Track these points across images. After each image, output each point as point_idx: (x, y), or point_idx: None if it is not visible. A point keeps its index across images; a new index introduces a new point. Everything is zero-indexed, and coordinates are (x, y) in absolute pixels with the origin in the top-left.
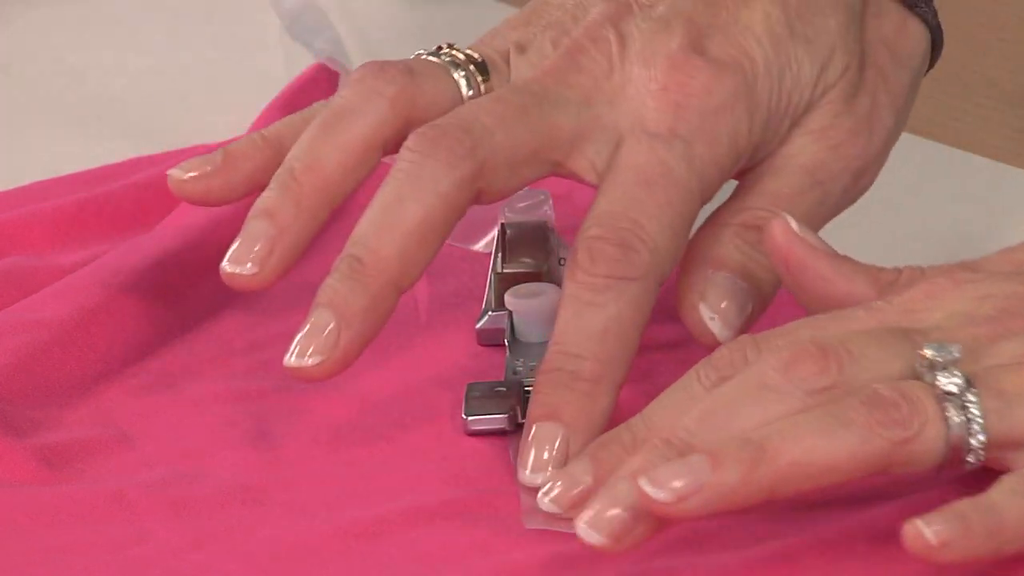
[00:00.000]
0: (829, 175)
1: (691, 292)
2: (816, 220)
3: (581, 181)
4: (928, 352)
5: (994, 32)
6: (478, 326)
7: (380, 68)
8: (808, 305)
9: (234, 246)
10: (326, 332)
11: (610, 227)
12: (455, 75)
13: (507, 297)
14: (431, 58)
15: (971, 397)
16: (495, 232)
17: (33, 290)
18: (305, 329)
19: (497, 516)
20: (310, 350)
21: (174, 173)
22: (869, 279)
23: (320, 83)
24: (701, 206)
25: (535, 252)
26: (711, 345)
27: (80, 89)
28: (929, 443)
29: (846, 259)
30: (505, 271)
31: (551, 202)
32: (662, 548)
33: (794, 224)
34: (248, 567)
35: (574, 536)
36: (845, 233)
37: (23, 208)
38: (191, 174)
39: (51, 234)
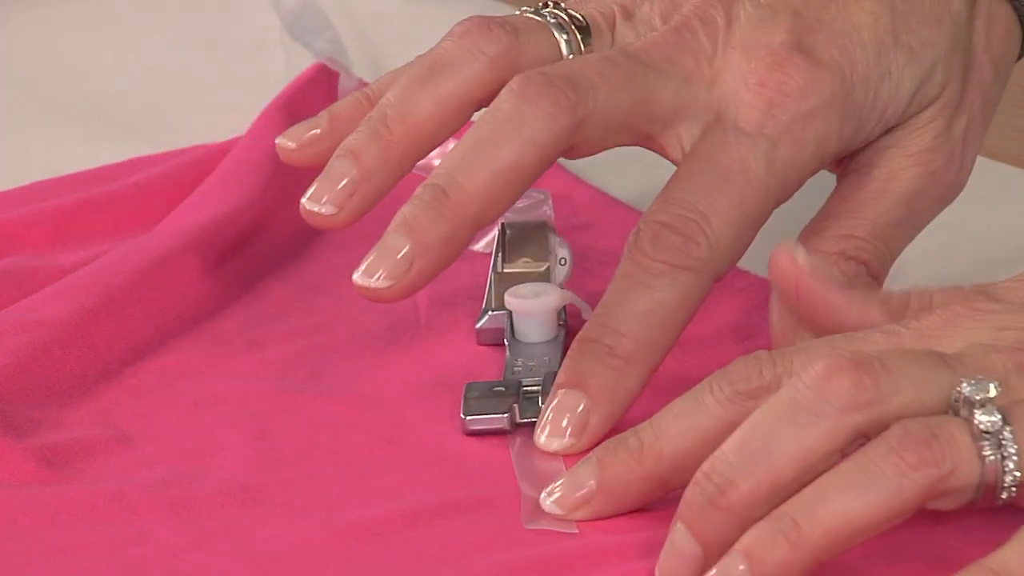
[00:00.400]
0: (924, 204)
1: (785, 315)
2: (903, 247)
3: (666, 156)
4: (966, 388)
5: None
6: (478, 326)
7: (485, 25)
8: (820, 334)
9: (315, 184)
10: (400, 256)
11: (678, 215)
12: (558, 36)
13: (507, 297)
14: (535, 16)
15: (1007, 434)
16: (495, 232)
17: (33, 290)
18: (378, 249)
19: (497, 516)
20: (380, 271)
21: (282, 143)
22: (881, 307)
23: (320, 83)
24: (775, 207)
25: (535, 252)
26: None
27: (80, 89)
28: (964, 479)
29: (856, 288)
30: (505, 271)
31: (551, 202)
32: (661, 547)
33: (802, 255)
34: (248, 567)
35: (574, 536)
36: None
37: (23, 208)
38: (299, 142)
39: (51, 234)
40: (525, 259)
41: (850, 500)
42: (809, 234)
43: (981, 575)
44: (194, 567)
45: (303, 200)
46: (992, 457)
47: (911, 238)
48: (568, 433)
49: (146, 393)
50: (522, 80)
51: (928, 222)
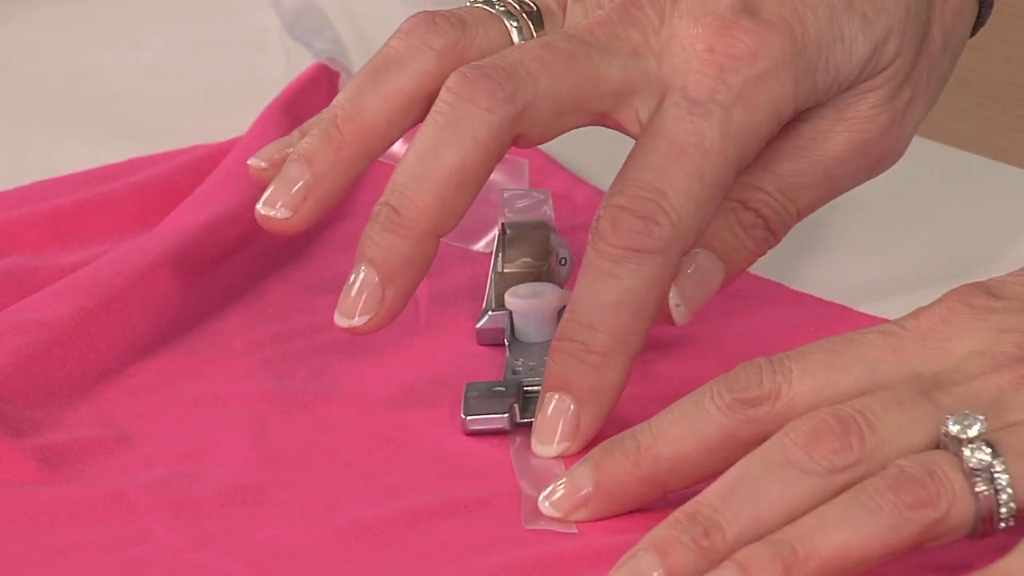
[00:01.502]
0: (848, 172)
1: None
2: (813, 209)
3: (626, 133)
4: (953, 428)
5: (994, 32)
6: (478, 326)
7: (431, 19)
8: None
9: (269, 189)
10: (374, 285)
11: (635, 196)
12: (508, 24)
13: (507, 297)
14: (486, 7)
15: (998, 467)
16: (495, 232)
17: (33, 290)
18: (349, 288)
19: (497, 516)
20: (358, 309)
21: (254, 163)
22: None
23: (320, 83)
24: (735, 175)
25: (535, 252)
26: (664, 319)
27: (80, 89)
28: (959, 518)
29: None
30: (505, 271)
31: (551, 202)
32: None
33: None
34: (248, 567)
35: (574, 537)
36: (844, 232)
37: (23, 208)
38: (270, 161)
39: (51, 234)
40: (525, 259)
41: (848, 533)
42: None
43: None
44: (194, 567)
45: (258, 206)
46: (986, 492)
47: (825, 201)
48: (559, 437)
49: (146, 393)
50: (457, 78)
51: (849, 189)
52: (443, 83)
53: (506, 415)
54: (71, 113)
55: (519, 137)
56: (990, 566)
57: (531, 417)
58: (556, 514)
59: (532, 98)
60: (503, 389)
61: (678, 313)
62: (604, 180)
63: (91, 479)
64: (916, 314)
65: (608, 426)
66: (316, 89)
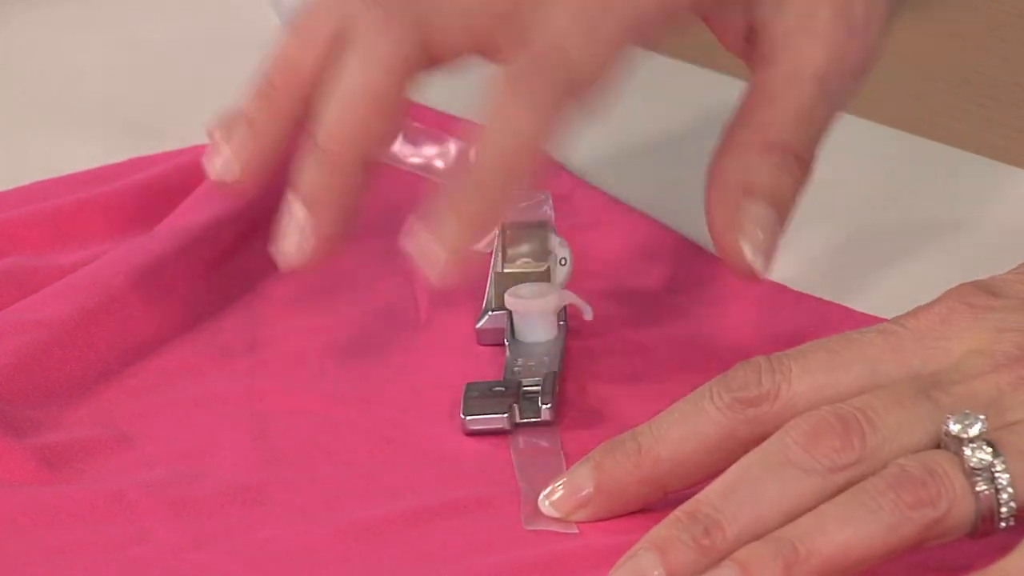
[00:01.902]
0: (838, 83)
1: (729, 228)
2: (827, 127)
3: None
4: (954, 427)
5: (995, 32)
6: (478, 326)
7: None
8: None
9: (217, 152)
10: (305, 223)
11: (534, 60)
12: None
13: (507, 297)
14: None
15: (999, 466)
16: (495, 232)
17: (33, 290)
18: (287, 223)
19: (497, 516)
20: (295, 242)
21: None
22: None
23: None
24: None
25: (535, 252)
26: (746, 278)
27: (80, 89)
28: (960, 517)
29: None
30: (505, 271)
31: (551, 202)
32: None
33: None
34: (248, 567)
35: (575, 536)
36: (844, 232)
37: (23, 208)
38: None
39: (51, 234)
40: (525, 259)
41: (849, 532)
42: (733, 127)
43: None
44: (194, 567)
45: (209, 171)
46: (986, 491)
47: (831, 119)
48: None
49: (146, 393)
50: (358, 4)
51: (847, 100)
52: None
53: (506, 415)
54: (71, 113)
55: (434, 59)
56: (989, 567)
57: (531, 417)
58: (556, 514)
59: (433, 12)
60: (503, 389)
61: (760, 265)
62: (604, 180)
63: (91, 479)
64: (915, 313)
65: (608, 426)
66: None
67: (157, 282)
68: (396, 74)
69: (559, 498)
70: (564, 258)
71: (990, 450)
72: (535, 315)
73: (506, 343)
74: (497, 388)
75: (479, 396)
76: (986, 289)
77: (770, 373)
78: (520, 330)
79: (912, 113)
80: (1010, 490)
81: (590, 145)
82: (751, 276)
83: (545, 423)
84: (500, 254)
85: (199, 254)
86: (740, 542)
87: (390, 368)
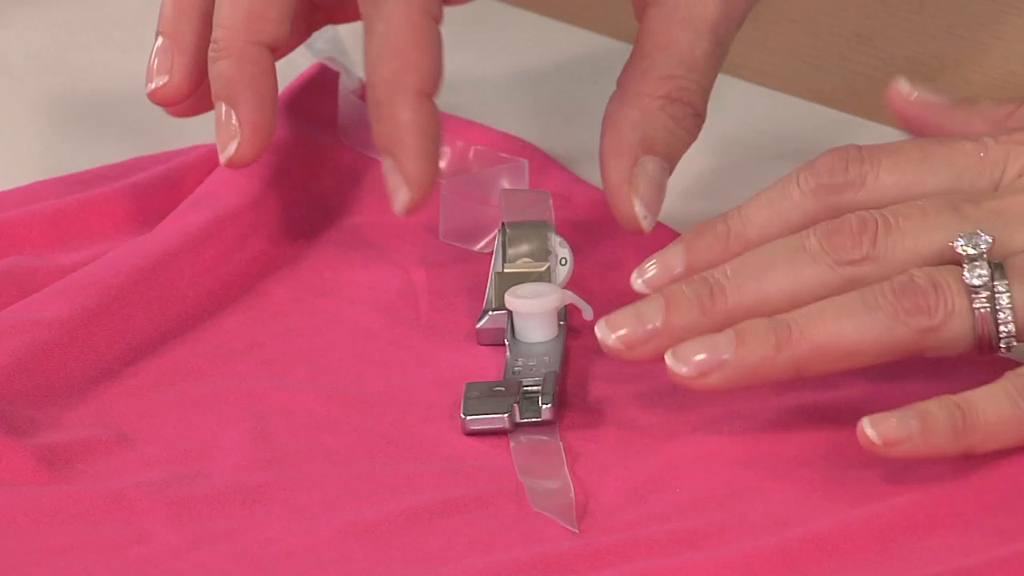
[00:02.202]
0: (726, 31)
1: (623, 182)
2: (715, 78)
3: None
4: (959, 243)
5: (994, 32)
6: (478, 326)
7: None
8: None
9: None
10: (230, 118)
11: None
12: None
13: (507, 297)
14: None
15: (1000, 288)
16: (495, 232)
17: (33, 290)
18: (218, 127)
19: (497, 516)
20: (229, 140)
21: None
22: (985, 117)
23: (320, 83)
24: None
25: (535, 252)
26: (632, 231)
27: (80, 89)
28: (955, 332)
29: (962, 105)
30: (505, 271)
31: (551, 202)
32: (661, 546)
33: (904, 86)
34: (248, 567)
35: (575, 536)
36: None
37: (23, 208)
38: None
39: (51, 234)
40: (525, 259)
41: (843, 323)
42: (632, 76)
43: (945, 407)
44: (194, 567)
45: (148, 94)
46: (983, 310)
47: (720, 66)
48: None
49: (146, 393)
50: None
51: (729, 47)
52: None
53: (506, 415)
54: (71, 113)
55: None
56: (959, 394)
57: (531, 417)
58: (647, 290)
59: None
60: (503, 389)
61: (647, 223)
62: None
63: (91, 479)
64: (1012, 127)
65: (608, 426)
66: (316, 89)
67: (157, 282)
68: None
69: (651, 276)
70: (564, 258)
71: (989, 271)
72: (535, 315)
73: (506, 343)
74: (497, 388)
75: (479, 396)
76: None
77: (858, 162)
78: (520, 330)
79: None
80: (1009, 313)
81: (590, 145)
82: (637, 230)
83: (545, 423)
84: (500, 254)
85: (199, 254)
86: (739, 310)
87: (390, 368)
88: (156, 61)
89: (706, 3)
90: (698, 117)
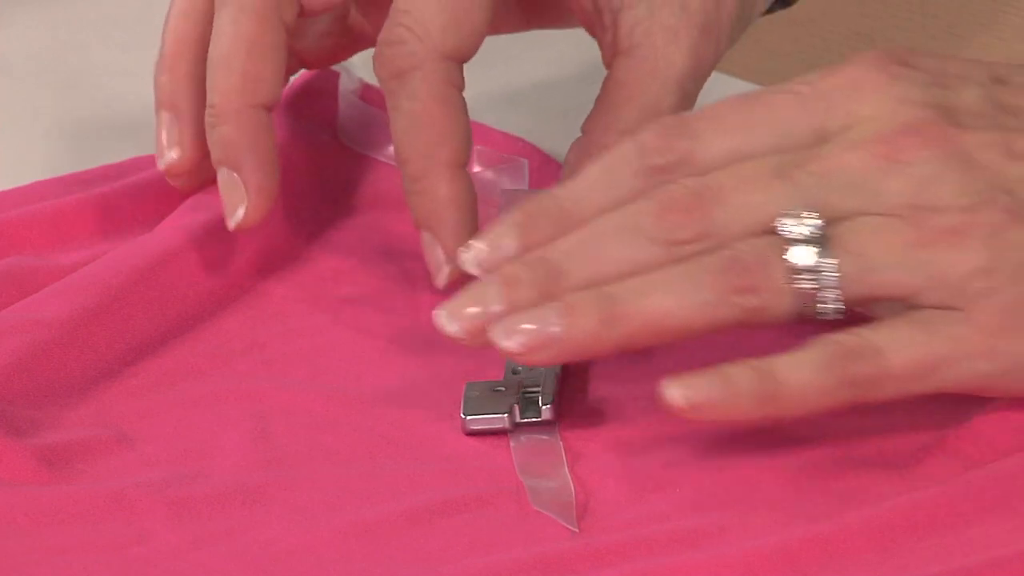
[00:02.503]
0: (693, 85)
1: None
2: None
3: None
4: (782, 225)
5: (994, 32)
6: None
7: None
8: None
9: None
10: (234, 183)
11: (388, 27)
12: None
13: None
14: None
15: (827, 265)
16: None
17: (33, 290)
18: (222, 191)
19: (497, 515)
20: (236, 205)
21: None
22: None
23: (320, 83)
24: None
25: None
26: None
27: (80, 89)
28: (781, 309)
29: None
30: None
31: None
32: (661, 546)
33: None
34: (248, 567)
35: (575, 536)
36: None
37: (23, 208)
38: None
39: (51, 234)
40: None
41: (669, 302)
42: (596, 126)
43: (750, 372)
44: (194, 567)
45: (160, 168)
46: (808, 289)
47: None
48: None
49: (146, 393)
50: None
51: (695, 100)
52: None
53: (506, 415)
54: (71, 113)
55: (302, 8)
56: (766, 358)
57: (531, 417)
58: (476, 270)
59: None
60: (503, 389)
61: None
62: None
63: (91, 479)
64: (826, 73)
65: (608, 426)
66: (316, 89)
67: (157, 282)
68: (267, 20)
69: (483, 257)
70: None
71: (816, 250)
72: None
73: None
74: (497, 388)
75: (479, 396)
76: (898, 59)
77: (680, 137)
78: None
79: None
80: (834, 290)
81: None
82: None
83: (545, 423)
84: None
85: (199, 254)
86: (578, 291)
87: (390, 368)
88: (164, 136)
89: (674, 57)
90: None
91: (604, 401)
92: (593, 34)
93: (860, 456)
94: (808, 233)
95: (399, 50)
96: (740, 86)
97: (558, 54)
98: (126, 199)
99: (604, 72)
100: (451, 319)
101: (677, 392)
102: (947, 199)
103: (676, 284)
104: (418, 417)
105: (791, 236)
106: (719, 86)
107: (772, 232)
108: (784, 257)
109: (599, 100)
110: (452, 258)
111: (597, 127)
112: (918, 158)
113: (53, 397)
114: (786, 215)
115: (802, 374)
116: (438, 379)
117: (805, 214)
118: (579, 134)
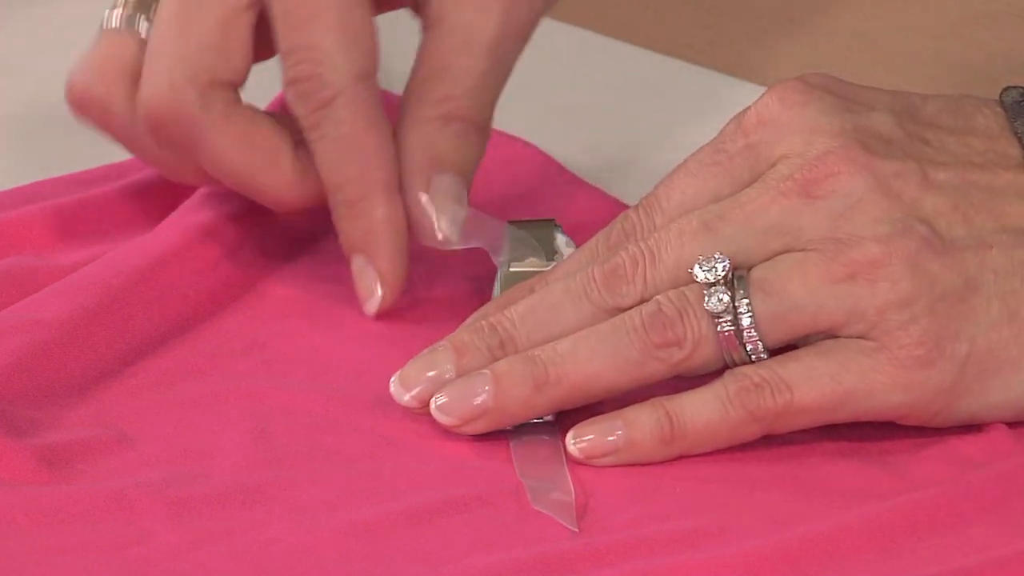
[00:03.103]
0: (507, 49)
1: (418, 203)
2: (500, 90)
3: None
4: (697, 272)
5: (994, 32)
6: None
7: None
8: None
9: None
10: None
11: (291, 66)
12: None
13: None
14: None
15: (742, 308)
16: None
17: (33, 290)
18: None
19: (497, 515)
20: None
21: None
22: None
23: None
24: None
25: (541, 252)
26: (441, 247)
27: None
28: (705, 357)
29: None
30: (512, 270)
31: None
32: (661, 546)
33: None
34: (248, 567)
35: (575, 536)
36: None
37: (23, 208)
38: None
39: (51, 234)
40: (532, 258)
41: (598, 364)
42: (410, 102)
43: (654, 414)
44: (194, 567)
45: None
46: (727, 332)
47: (504, 81)
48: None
49: (146, 393)
50: None
51: (516, 60)
52: None
53: None
54: (71, 113)
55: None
56: (673, 397)
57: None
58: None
59: None
60: None
61: (453, 232)
62: (605, 180)
63: (91, 479)
64: (738, 121)
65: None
66: None
67: (157, 282)
68: (235, 25)
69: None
70: None
71: (729, 292)
72: None
73: None
74: None
75: None
76: (802, 88)
77: (635, 266)
78: None
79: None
80: (753, 330)
81: (590, 145)
82: (445, 245)
83: (545, 423)
84: (507, 253)
85: (199, 254)
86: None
87: (390, 368)
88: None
89: (484, 24)
90: (481, 132)
91: (604, 401)
92: (416, 13)
93: (860, 456)
94: (717, 277)
95: (313, 83)
96: (741, 86)
97: (558, 54)
98: (126, 199)
99: (605, 72)
100: (403, 389)
101: (575, 447)
102: (864, 230)
103: (603, 346)
104: (418, 417)
105: (702, 281)
106: (722, 87)
107: (692, 281)
108: (702, 304)
109: (412, 76)
110: (387, 282)
111: (411, 102)
112: (833, 191)
113: (53, 397)
114: (697, 262)
115: (707, 412)
116: None
117: (716, 257)
118: (579, 134)
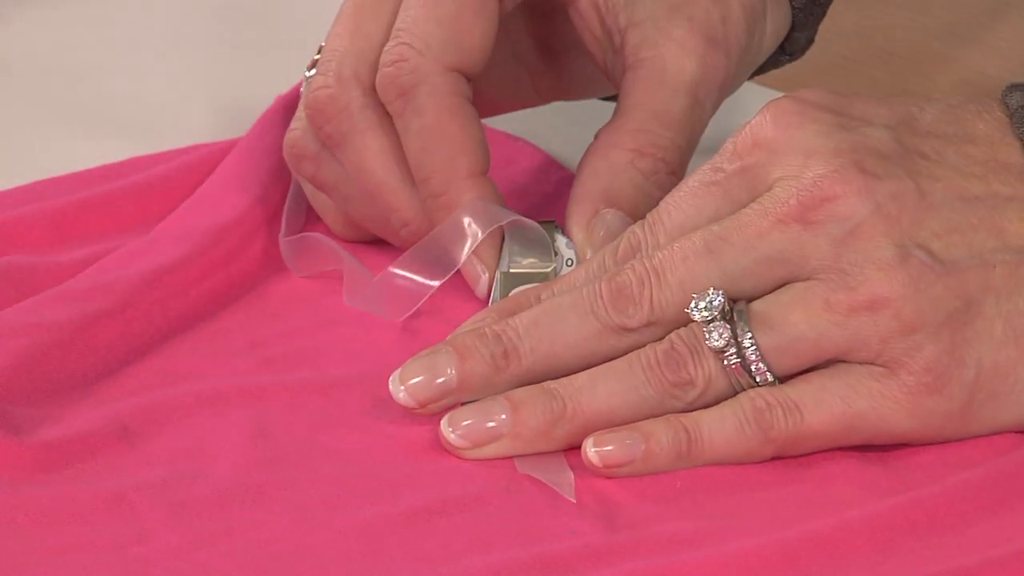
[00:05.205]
0: (706, 93)
1: (578, 226)
2: (697, 138)
3: None
4: (694, 312)
5: (994, 32)
6: None
7: None
8: None
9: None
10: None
11: (390, 48)
12: None
13: None
14: None
15: (746, 341)
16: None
17: (33, 290)
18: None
19: (497, 515)
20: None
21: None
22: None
23: None
24: None
25: (541, 253)
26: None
27: (80, 89)
28: (718, 390)
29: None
30: (511, 271)
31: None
32: (662, 546)
33: None
34: (248, 567)
35: (575, 536)
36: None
37: (23, 208)
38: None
39: (51, 234)
40: (531, 260)
41: (615, 401)
42: (607, 130)
43: (671, 430)
44: (194, 567)
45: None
46: (734, 365)
47: (702, 129)
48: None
49: (146, 393)
50: None
51: (714, 109)
52: None
53: None
54: (71, 113)
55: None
56: (692, 414)
57: None
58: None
59: None
60: None
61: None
62: None
63: (91, 479)
64: (734, 143)
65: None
66: None
67: (157, 282)
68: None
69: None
70: (570, 259)
71: (728, 330)
72: None
73: None
74: None
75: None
76: (798, 106)
77: (642, 287)
78: None
79: None
80: (759, 362)
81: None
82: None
83: None
84: (506, 254)
85: (199, 254)
86: (533, 371)
87: (391, 368)
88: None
89: (683, 66)
90: (672, 175)
91: None
92: (601, 65)
93: (860, 456)
94: (713, 314)
95: (400, 68)
96: (742, 86)
97: None
98: (126, 199)
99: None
100: (401, 385)
101: (595, 453)
102: (864, 258)
103: (620, 384)
104: (418, 417)
105: (703, 319)
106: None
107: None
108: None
109: (615, 112)
110: (489, 266)
111: (607, 130)
112: (831, 216)
113: (54, 397)
114: (696, 297)
115: (725, 432)
116: None
117: (709, 294)
118: (579, 134)
